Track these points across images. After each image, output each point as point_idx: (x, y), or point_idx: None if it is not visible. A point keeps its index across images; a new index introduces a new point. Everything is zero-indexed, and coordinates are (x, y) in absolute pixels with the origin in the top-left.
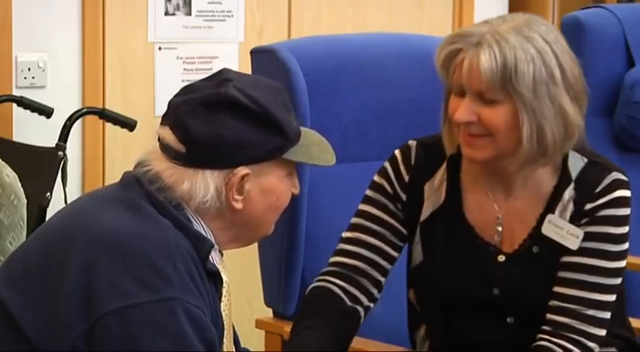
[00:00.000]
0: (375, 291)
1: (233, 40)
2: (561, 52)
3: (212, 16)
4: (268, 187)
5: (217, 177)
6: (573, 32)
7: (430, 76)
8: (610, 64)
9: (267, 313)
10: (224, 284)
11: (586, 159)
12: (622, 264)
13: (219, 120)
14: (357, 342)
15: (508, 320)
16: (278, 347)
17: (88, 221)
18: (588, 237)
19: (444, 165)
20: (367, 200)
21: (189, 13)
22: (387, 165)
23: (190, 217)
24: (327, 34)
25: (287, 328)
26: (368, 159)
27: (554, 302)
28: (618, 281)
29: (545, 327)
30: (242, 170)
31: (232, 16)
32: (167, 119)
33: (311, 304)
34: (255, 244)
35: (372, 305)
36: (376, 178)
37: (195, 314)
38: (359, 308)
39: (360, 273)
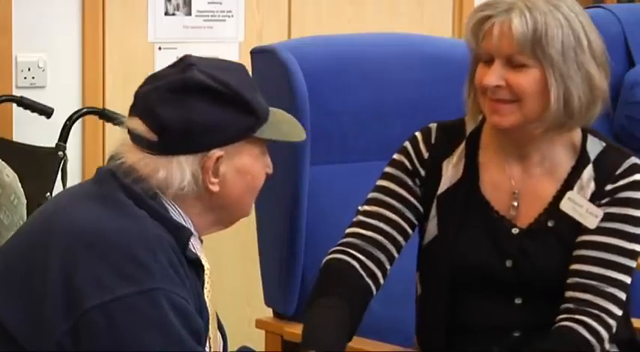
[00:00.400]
0: (388, 267)
1: (233, 40)
2: (587, 22)
3: (212, 16)
4: (243, 168)
5: (192, 162)
6: None
7: (430, 76)
8: (610, 64)
9: (267, 313)
10: (206, 271)
11: (604, 144)
12: (638, 247)
13: (188, 104)
14: (357, 342)
15: (516, 300)
16: (278, 347)
17: (64, 219)
18: (608, 217)
19: (463, 143)
20: (386, 176)
21: (189, 13)
22: (407, 144)
23: (168, 206)
24: (327, 34)
25: (287, 328)
26: (368, 159)
27: (573, 279)
28: (634, 264)
29: (566, 305)
30: (216, 152)
31: (232, 16)
32: (135, 110)
33: (329, 279)
34: (255, 244)
35: (382, 282)
36: (396, 156)
37: (179, 303)
38: (372, 285)
39: (378, 246)
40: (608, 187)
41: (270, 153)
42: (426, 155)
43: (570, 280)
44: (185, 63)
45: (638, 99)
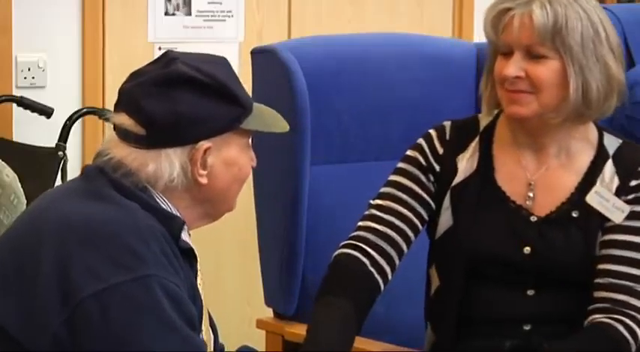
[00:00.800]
0: (397, 263)
1: (233, 40)
2: (604, 17)
3: (212, 16)
4: (230, 159)
5: (181, 154)
6: None
7: (430, 76)
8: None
9: (268, 313)
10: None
11: (620, 140)
12: None
13: (174, 97)
14: (358, 342)
15: (528, 292)
16: (279, 347)
17: (55, 213)
18: (635, 215)
19: (477, 138)
20: (399, 171)
21: (189, 13)
22: (421, 141)
23: (157, 199)
24: (328, 34)
25: (288, 328)
26: (368, 159)
27: (606, 279)
28: None
29: (601, 305)
30: (204, 144)
31: (232, 16)
32: (120, 105)
33: (336, 275)
34: (256, 244)
35: (390, 277)
36: (409, 152)
37: (172, 289)
38: (381, 281)
39: (390, 242)
40: (633, 183)
41: (270, 153)
42: (440, 151)
43: (602, 280)
44: (168, 58)
45: (638, 99)
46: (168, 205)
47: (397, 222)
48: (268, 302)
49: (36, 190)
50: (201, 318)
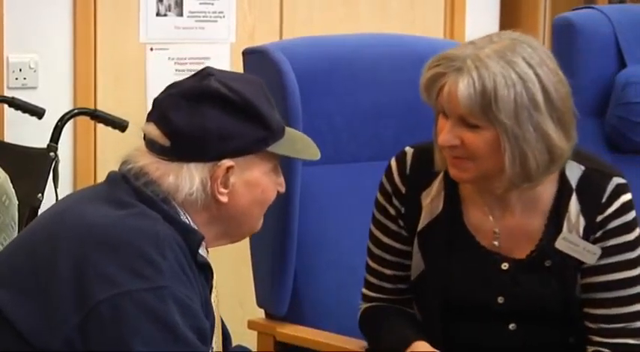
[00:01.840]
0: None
1: (225, 40)
2: (546, 74)
3: (204, 16)
4: (253, 180)
5: (202, 169)
6: (564, 33)
7: None
8: (601, 64)
9: (259, 314)
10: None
11: (583, 167)
12: None
13: (203, 112)
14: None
15: (510, 326)
16: (271, 347)
17: (74, 217)
18: (607, 252)
19: (441, 174)
20: (376, 223)
21: (180, 14)
22: (384, 180)
23: (178, 210)
24: (319, 35)
25: (279, 328)
26: (360, 160)
27: (598, 325)
28: None
29: (602, 349)
30: (227, 162)
31: (224, 16)
32: (151, 116)
33: (375, 318)
34: (247, 245)
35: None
36: (378, 196)
37: (185, 303)
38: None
39: (397, 301)
40: (599, 218)
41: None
42: (403, 190)
43: (593, 325)
44: (204, 73)
45: (630, 99)
46: (188, 218)
47: (392, 286)
48: (260, 303)
49: (27, 191)
50: (213, 332)
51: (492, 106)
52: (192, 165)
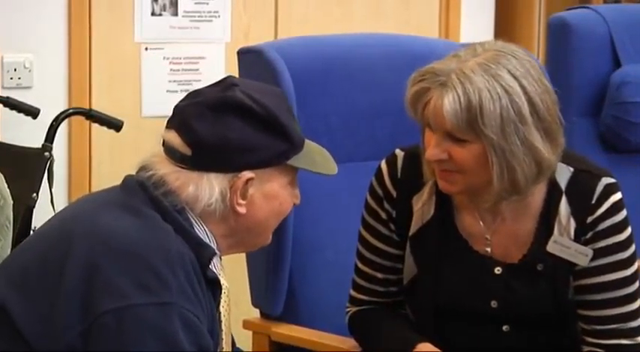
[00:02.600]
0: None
1: (220, 40)
2: (531, 85)
3: (199, 16)
4: (272, 193)
5: (222, 180)
6: (559, 33)
7: None
8: (596, 64)
9: (255, 313)
10: (224, 290)
11: (572, 168)
12: (636, 266)
13: (226, 122)
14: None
15: (504, 328)
16: (265, 347)
17: (88, 223)
18: (599, 253)
19: (432, 180)
20: (367, 226)
21: (175, 14)
22: (374, 183)
23: (194, 222)
24: (315, 35)
25: (274, 328)
26: (356, 159)
27: (592, 327)
28: (637, 284)
29: (596, 350)
30: (247, 174)
31: (219, 16)
32: (172, 123)
33: (370, 320)
34: None
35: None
36: (369, 199)
37: (190, 320)
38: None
39: (385, 304)
40: (589, 220)
41: None
42: (394, 194)
43: (587, 326)
44: (228, 82)
45: (624, 99)
46: (204, 229)
47: (383, 289)
48: (255, 302)
49: (22, 191)
50: (218, 349)
51: (478, 121)
52: (213, 176)
